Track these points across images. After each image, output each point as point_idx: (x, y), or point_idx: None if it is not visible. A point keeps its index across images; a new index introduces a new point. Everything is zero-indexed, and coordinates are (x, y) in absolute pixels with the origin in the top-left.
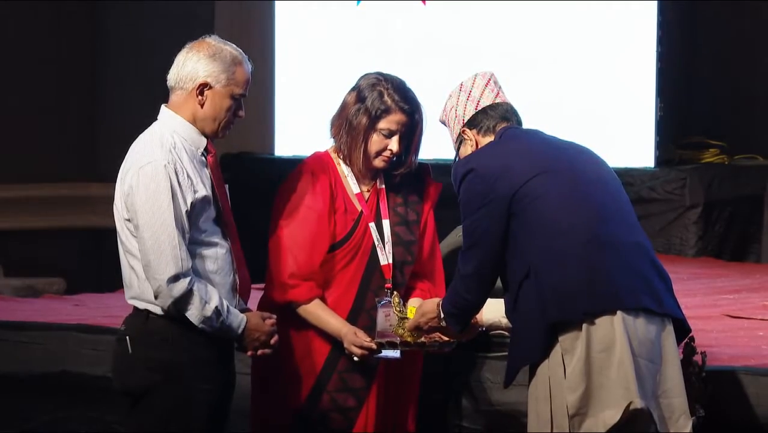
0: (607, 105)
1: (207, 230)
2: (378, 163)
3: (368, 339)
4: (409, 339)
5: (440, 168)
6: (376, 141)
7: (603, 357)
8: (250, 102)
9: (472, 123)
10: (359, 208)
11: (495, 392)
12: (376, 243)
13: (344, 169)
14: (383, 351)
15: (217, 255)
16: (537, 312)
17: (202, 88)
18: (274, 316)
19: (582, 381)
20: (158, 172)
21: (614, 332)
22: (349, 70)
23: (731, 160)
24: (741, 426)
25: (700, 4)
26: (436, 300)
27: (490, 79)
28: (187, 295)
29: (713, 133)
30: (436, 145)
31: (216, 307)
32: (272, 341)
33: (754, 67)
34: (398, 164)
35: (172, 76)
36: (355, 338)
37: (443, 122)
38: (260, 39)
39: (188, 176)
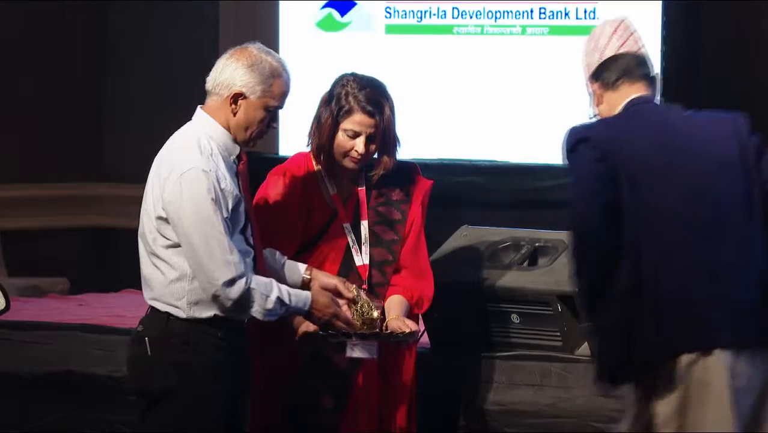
0: None
1: (236, 239)
2: (347, 163)
3: (314, 327)
4: (363, 330)
5: (436, 168)
6: (341, 141)
7: (699, 393)
8: None
9: (596, 75)
10: (333, 208)
11: (495, 392)
12: (351, 244)
13: (321, 170)
14: (353, 350)
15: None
16: (636, 337)
17: (237, 97)
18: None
19: (676, 419)
20: (200, 178)
21: (713, 369)
22: (351, 70)
23: None
24: None
25: (705, 4)
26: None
27: (617, 27)
28: (247, 294)
29: None
30: (434, 144)
31: (277, 297)
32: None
33: (758, 66)
34: (373, 165)
35: (210, 80)
36: (304, 325)
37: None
38: (264, 39)
39: (228, 184)
